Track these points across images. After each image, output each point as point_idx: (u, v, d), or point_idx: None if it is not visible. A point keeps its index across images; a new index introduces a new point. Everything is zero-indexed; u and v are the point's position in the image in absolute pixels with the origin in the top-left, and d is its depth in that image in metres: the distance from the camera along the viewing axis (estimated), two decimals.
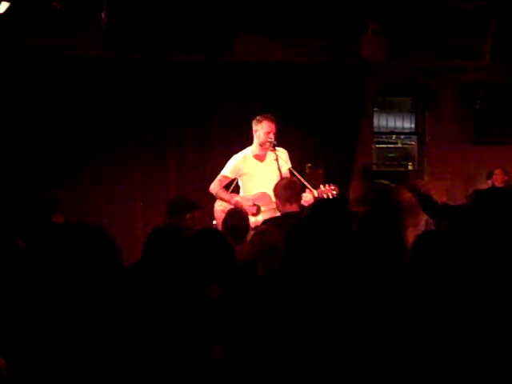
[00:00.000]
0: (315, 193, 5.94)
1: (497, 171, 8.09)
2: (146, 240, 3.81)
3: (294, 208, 5.18)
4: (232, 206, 6.01)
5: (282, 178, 5.74)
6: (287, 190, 5.26)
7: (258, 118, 6.22)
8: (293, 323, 2.75)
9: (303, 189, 5.84)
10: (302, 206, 5.45)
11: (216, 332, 2.89)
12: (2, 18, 6.95)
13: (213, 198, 6.40)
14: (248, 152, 6.30)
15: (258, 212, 6.11)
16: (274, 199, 5.94)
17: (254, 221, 5.86)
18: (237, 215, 5.24)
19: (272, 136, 6.11)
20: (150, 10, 7.32)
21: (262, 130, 6.16)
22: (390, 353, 2.71)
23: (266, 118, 6.16)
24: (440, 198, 8.39)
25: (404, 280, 3.05)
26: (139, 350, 2.59)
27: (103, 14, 7.23)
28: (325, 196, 5.95)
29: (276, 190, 5.37)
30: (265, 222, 5.27)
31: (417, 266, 3.12)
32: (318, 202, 4.90)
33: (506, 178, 8.02)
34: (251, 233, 4.02)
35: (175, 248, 3.77)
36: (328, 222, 3.17)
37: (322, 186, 6.03)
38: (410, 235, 4.62)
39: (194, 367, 2.61)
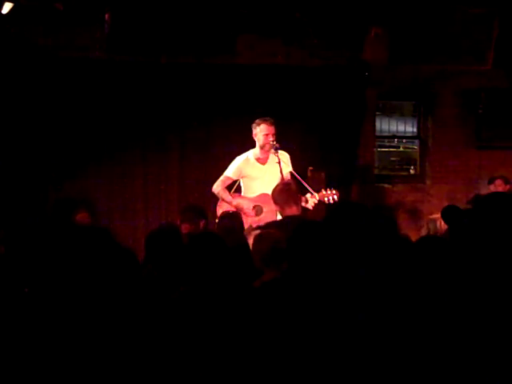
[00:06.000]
0: (317, 196, 5.95)
1: (497, 182, 7.72)
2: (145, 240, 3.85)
3: (293, 211, 5.16)
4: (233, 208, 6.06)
5: (276, 185, 5.67)
6: (283, 193, 5.25)
7: (256, 121, 6.29)
8: (300, 328, 2.74)
9: (301, 190, 5.83)
10: (304, 209, 5.44)
11: (217, 336, 2.89)
12: (5, 19, 6.96)
13: (214, 200, 6.42)
14: (251, 155, 6.35)
15: (259, 212, 6.14)
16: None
17: (256, 220, 5.95)
18: (231, 217, 5.25)
19: (271, 137, 6.14)
20: (152, 13, 7.34)
21: (260, 132, 6.22)
22: (397, 359, 2.71)
23: (264, 121, 6.22)
24: (441, 202, 8.43)
25: (406, 283, 3.05)
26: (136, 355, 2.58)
27: (107, 16, 7.24)
28: (326, 200, 5.96)
29: (273, 196, 5.36)
30: (266, 225, 5.26)
31: (417, 270, 3.11)
32: (341, 204, 4.86)
33: (507, 187, 7.66)
34: (254, 236, 4.02)
35: (172, 248, 3.78)
36: (352, 225, 3.12)
37: (323, 190, 6.03)
38: (413, 239, 4.62)
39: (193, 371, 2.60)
